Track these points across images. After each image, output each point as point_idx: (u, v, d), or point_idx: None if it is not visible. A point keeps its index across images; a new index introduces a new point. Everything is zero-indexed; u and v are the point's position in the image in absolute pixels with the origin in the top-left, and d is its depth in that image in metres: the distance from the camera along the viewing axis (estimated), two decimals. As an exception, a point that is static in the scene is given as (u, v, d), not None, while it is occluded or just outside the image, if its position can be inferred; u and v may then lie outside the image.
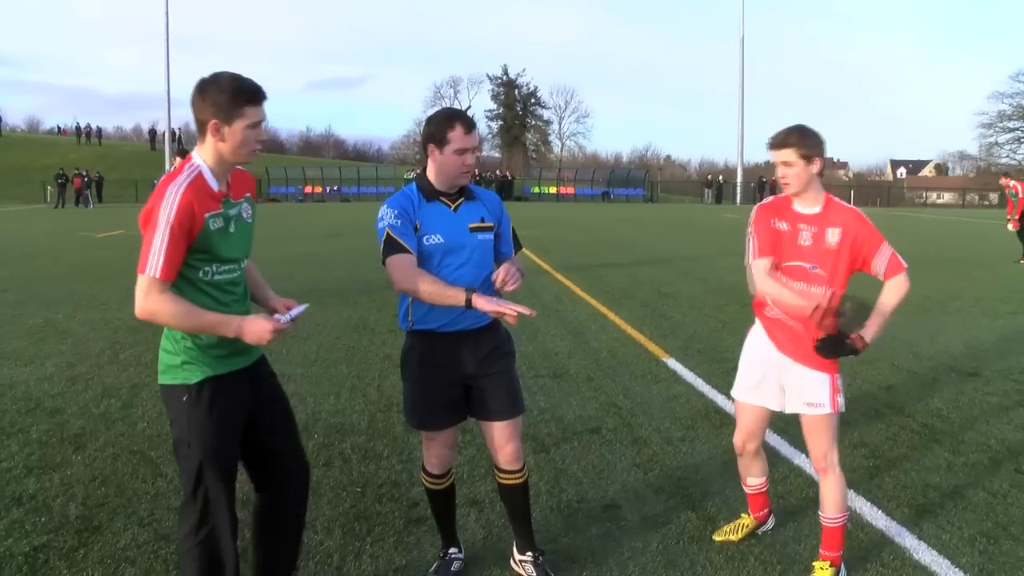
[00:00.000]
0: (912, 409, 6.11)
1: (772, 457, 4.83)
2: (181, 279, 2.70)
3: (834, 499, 3.57)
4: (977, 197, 70.13)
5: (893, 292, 3.48)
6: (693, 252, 18.54)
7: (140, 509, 4.27)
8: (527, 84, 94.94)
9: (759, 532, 4.02)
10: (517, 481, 3.48)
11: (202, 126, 2.69)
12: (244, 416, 2.91)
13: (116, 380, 6.82)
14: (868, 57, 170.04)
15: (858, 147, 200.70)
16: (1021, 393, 6.56)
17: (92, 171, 50.12)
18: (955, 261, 16.84)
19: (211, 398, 2.77)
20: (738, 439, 3.86)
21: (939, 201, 73.79)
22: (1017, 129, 75.52)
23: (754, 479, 3.96)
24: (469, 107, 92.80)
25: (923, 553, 3.83)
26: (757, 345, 3.71)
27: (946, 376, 7.11)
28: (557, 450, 5.21)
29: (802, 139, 3.42)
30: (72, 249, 18.22)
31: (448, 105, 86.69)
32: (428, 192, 3.32)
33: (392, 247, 3.18)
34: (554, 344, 8.32)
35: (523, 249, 3.52)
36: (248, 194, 2.98)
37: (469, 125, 3.24)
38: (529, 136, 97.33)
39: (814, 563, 3.62)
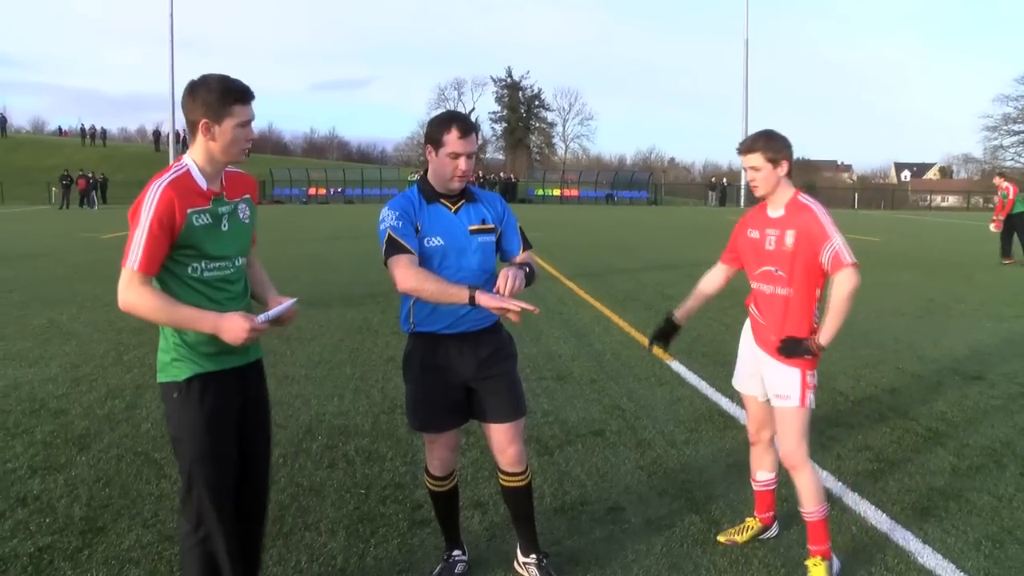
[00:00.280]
0: (916, 412, 6.10)
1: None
2: (169, 275, 2.76)
3: (809, 493, 3.63)
4: (982, 200, 69.84)
5: (836, 289, 3.47)
6: (697, 255, 18.51)
7: (144, 510, 4.27)
8: (531, 86, 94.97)
9: (763, 537, 4.01)
10: (520, 483, 3.48)
11: (193, 126, 2.77)
12: (235, 415, 2.91)
13: (120, 381, 6.83)
14: (872, 59, 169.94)
15: (862, 150, 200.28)
16: (1026, 397, 6.54)
17: (96, 172, 50.20)
18: (959, 264, 16.81)
19: (200, 394, 2.80)
20: (750, 427, 3.98)
21: (943, 204, 73.67)
22: (1022, 132, 75.38)
23: (764, 474, 3.99)
24: (473, 109, 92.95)
25: (927, 557, 3.83)
26: (747, 338, 3.86)
27: (950, 379, 7.10)
28: (561, 452, 5.20)
29: (768, 143, 3.56)
30: (76, 250, 18.26)
31: (451, 107, 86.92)
32: (429, 194, 3.33)
33: (394, 247, 3.19)
34: (558, 346, 8.32)
35: (532, 249, 3.52)
36: (247, 195, 3.01)
37: (465, 129, 3.23)
38: (533, 138, 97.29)
39: (806, 562, 3.65)
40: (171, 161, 3.04)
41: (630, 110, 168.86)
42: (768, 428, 3.90)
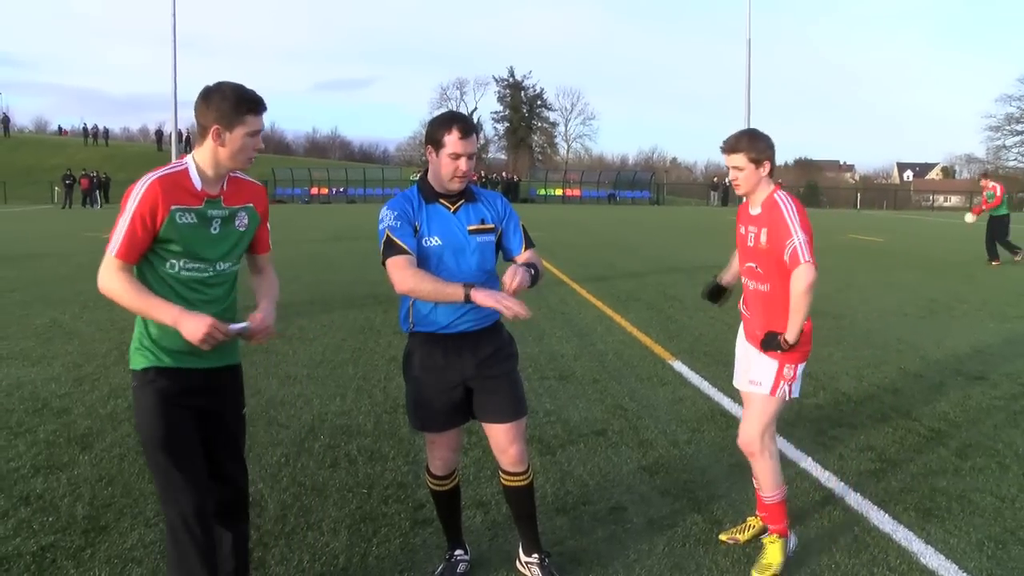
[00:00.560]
0: (919, 412, 6.09)
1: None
2: (148, 266, 2.82)
3: (768, 479, 3.75)
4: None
5: (792, 285, 3.51)
6: (699, 255, 18.52)
7: (147, 509, 4.27)
8: (533, 86, 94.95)
9: (764, 537, 4.00)
10: (522, 483, 3.48)
11: (204, 130, 2.81)
12: (191, 406, 2.88)
13: (123, 380, 6.83)
14: (874, 59, 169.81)
15: (864, 150, 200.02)
16: (1029, 397, 6.53)
17: (99, 172, 50.26)
18: (962, 264, 16.79)
19: (153, 383, 2.83)
20: None
21: (946, 204, 73.52)
22: (1025, 132, 75.34)
23: None
24: (475, 109, 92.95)
25: (930, 557, 3.82)
26: (740, 335, 3.96)
27: (953, 380, 7.09)
28: (563, 452, 5.21)
29: (752, 144, 3.63)
30: (79, 250, 18.24)
31: (454, 107, 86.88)
32: (428, 194, 3.33)
33: (391, 248, 3.21)
34: (560, 346, 8.32)
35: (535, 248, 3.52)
36: (251, 204, 3.01)
37: (466, 130, 3.23)
38: (535, 138, 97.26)
39: (763, 539, 3.76)
40: (173, 160, 3.06)
41: (632, 110, 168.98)
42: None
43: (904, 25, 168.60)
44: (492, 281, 3.40)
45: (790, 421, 5.78)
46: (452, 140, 3.20)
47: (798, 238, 3.50)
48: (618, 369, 7.40)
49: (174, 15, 38.53)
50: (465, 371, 3.37)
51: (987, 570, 3.71)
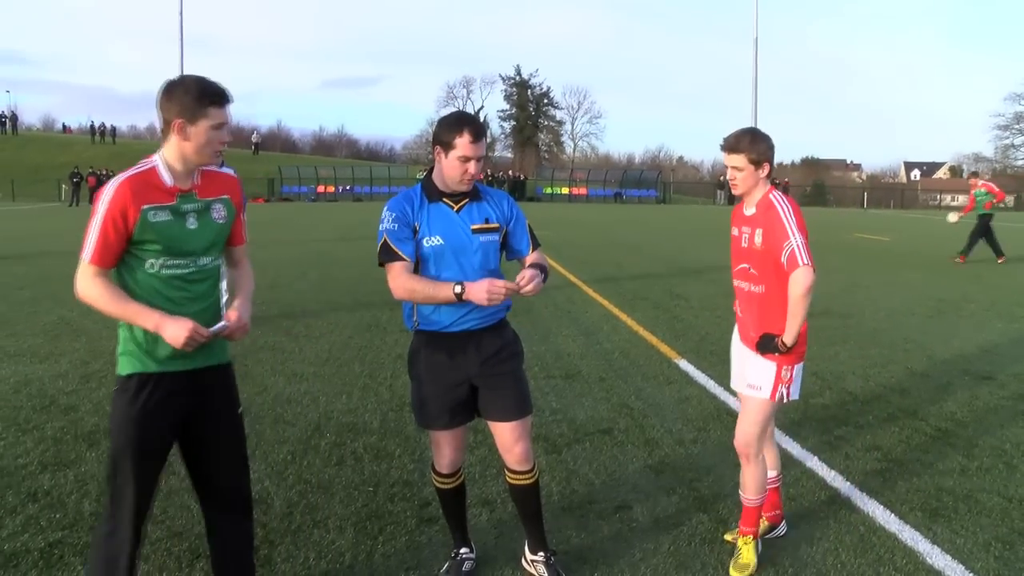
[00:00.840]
0: (926, 412, 6.08)
1: (784, 460, 4.82)
2: (126, 269, 2.79)
3: (754, 484, 3.75)
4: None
5: (790, 289, 3.49)
6: (705, 254, 18.48)
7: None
8: (540, 84, 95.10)
9: (770, 536, 4.00)
10: (527, 481, 3.49)
11: (167, 125, 2.77)
12: (171, 418, 2.86)
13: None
14: (883, 58, 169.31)
15: (872, 149, 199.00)
16: (1036, 397, 6.51)
17: (106, 170, 50.38)
18: (969, 264, 16.73)
19: (135, 392, 2.80)
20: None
21: (953, 204, 73.09)
22: (1034, 131, 75.05)
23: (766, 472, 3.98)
24: (482, 107, 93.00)
25: (936, 557, 3.81)
26: (735, 337, 3.93)
27: (960, 379, 7.07)
28: (569, 451, 5.21)
29: (753, 145, 3.58)
30: (87, 247, 18.21)
31: (460, 106, 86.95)
32: (432, 193, 3.33)
33: (387, 254, 3.24)
34: (566, 345, 8.32)
35: (540, 247, 3.54)
36: (227, 195, 2.98)
37: (477, 133, 3.22)
38: (541, 136, 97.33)
39: (738, 541, 3.78)
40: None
41: (639, 109, 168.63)
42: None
43: (912, 23, 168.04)
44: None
45: (796, 420, 5.77)
46: (463, 143, 3.19)
47: (795, 240, 3.47)
48: (624, 368, 7.40)
49: (181, 13, 38.70)
50: (469, 369, 3.37)
51: (994, 571, 3.70)
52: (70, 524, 4.07)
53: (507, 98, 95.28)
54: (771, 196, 3.61)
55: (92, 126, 76.41)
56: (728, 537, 3.98)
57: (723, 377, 6.93)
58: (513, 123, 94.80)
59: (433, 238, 3.26)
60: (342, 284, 12.58)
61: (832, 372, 7.22)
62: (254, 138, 79.91)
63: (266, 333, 8.66)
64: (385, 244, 3.23)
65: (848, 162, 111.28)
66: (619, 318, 9.96)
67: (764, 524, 3.99)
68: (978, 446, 5.35)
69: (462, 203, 3.33)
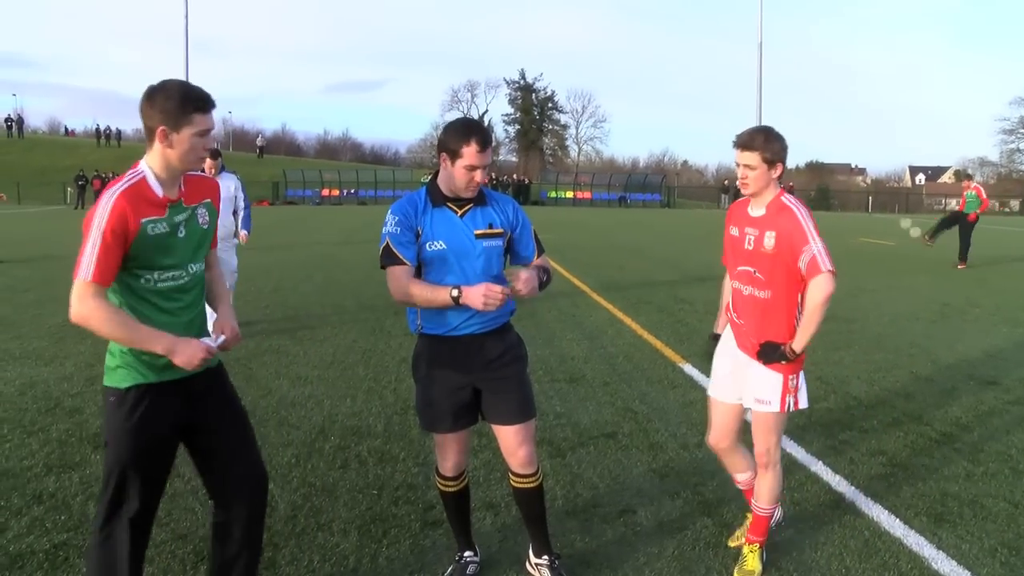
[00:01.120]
0: (930, 417, 6.06)
1: (789, 464, 4.83)
2: (123, 286, 2.72)
3: (769, 492, 3.70)
4: (997, 204, 69.44)
5: (810, 295, 3.41)
6: (710, 257, 18.44)
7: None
8: (544, 88, 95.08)
9: (775, 539, 3.99)
10: (531, 485, 3.49)
11: (150, 132, 2.72)
12: (169, 428, 2.86)
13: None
14: (887, 62, 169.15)
15: (876, 153, 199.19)
16: (1042, 402, 6.49)
17: (112, 173, 50.55)
18: (974, 268, 16.70)
19: (134, 404, 2.76)
20: (710, 439, 3.91)
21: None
22: (1039, 135, 74.92)
23: (741, 475, 3.95)
24: (486, 111, 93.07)
25: (942, 563, 3.80)
26: (727, 342, 3.80)
27: (965, 384, 7.05)
28: (573, 455, 5.20)
29: (767, 143, 3.44)
30: (92, 250, 18.25)
31: (465, 109, 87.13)
32: (436, 197, 3.33)
33: (389, 258, 3.25)
34: (570, 349, 8.32)
35: (544, 253, 3.54)
36: (208, 200, 2.97)
37: (484, 142, 3.22)
38: (546, 140, 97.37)
39: (743, 547, 3.75)
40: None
41: (643, 112, 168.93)
42: (728, 437, 3.83)
43: (916, 28, 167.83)
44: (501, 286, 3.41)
45: (801, 425, 5.76)
46: (470, 152, 3.19)
47: (816, 245, 3.36)
48: (628, 372, 7.39)
49: (186, 16, 38.80)
50: (473, 372, 3.38)
51: (999, 576, 3.69)
52: (75, 526, 4.08)
53: (511, 102, 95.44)
54: (785, 199, 3.50)
55: (97, 129, 76.67)
56: (732, 543, 3.97)
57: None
58: (517, 127, 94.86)
59: (436, 242, 3.27)
60: (346, 287, 12.60)
61: (837, 376, 7.21)
62: (258, 141, 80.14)
63: (270, 336, 8.67)
64: (387, 247, 3.25)
65: (853, 166, 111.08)
66: (623, 322, 9.96)
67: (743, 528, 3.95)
68: (983, 451, 5.34)
69: (466, 208, 3.33)
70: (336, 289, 12.38)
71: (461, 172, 3.23)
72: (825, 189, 71.56)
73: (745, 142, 3.46)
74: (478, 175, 3.24)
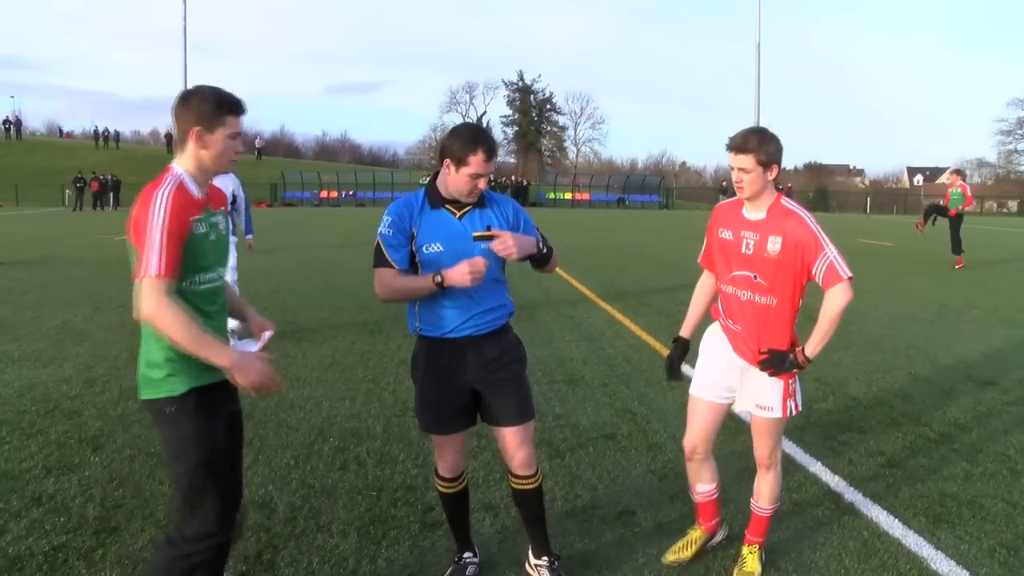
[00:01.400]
0: (929, 418, 6.07)
1: (787, 465, 4.82)
2: None
3: (769, 492, 3.70)
4: (995, 205, 69.55)
5: (828, 303, 3.34)
6: (708, 259, 18.46)
7: (157, 511, 4.29)
8: (543, 90, 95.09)
9: (775, 547, 3.99)
10: (530, 486, 3.49)
11: (184, 135, 2.76)
12: (226, 426, 2.88)
13: (133, 382, 6.79)
14: (885, 63, 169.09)
15: (874, 154, 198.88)
16: (1040, 403, 6.50)
17: (110, 175, 50.51)
18: (972, 269, 16.72)
19: (195, 405, 2.76)
20: (688, 441, 3.75)
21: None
22: (1037, 136, 75.05)
23: (704, 486, 3.84)
24: (484, 112, 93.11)
25: (940, 563, 3.81)
26: (717, 343, 3.71)
27: (963, 385, 7.06)
28: (572, 456, 5.20)
29: (762, 145, 3.34)
30: (90, 252, 18.37)
31: (463, 111, 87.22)
32: (435, 199, 3.32)
33: (379, 259, 3.28)
34: (569, 350, 8.32)
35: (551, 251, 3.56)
36: (222, 206, 3.01)
37: (491, 152, 3.22)
38: (544, 142, 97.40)
39: (743, 550, 3.74)
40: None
41: (642, 114, 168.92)
42: (707, 442, 3.73)
43: (915, 28, 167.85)
44: (500, 288, 3.41)
45: (799, 425, 5.76)
46: (476, 161, 3.19)
47: (831, 251, 3.29)
48: (627, 373, 7.40)
49: (184, 18, 38.83)
50: (471, 374, 3.38)
51: (998, 576, 3.70)
52: (74, 528, 4.08)
53: (510, 103, 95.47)
54: (786, 203, 3.43)
55: (96, 131, 76.58)
56: (669, 557, 3.81)
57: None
58: (516, 128, 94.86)
59: (433, 245, 3.26)
60: (345, 289, 12.60)
61: (835, 377, 7.22)
62: (257, 143, 79.96)
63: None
64: (378, 248, 3.28)
65: (851, 167, 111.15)
66: (622, 323, 9.96)
67: (702, 535, 3.88)
68: (982, 451, 5.34)
69: (465, 210, 3.33)
70: (335, 291, 12.39)
71: (465, 179, 3.22)
72: (823, 190, 71.67)
73: (739, 145, 3.36)
74: (482, 183, 3.25)
